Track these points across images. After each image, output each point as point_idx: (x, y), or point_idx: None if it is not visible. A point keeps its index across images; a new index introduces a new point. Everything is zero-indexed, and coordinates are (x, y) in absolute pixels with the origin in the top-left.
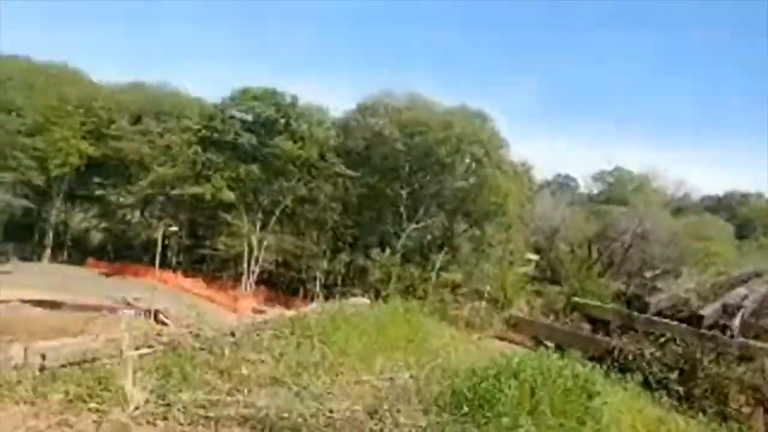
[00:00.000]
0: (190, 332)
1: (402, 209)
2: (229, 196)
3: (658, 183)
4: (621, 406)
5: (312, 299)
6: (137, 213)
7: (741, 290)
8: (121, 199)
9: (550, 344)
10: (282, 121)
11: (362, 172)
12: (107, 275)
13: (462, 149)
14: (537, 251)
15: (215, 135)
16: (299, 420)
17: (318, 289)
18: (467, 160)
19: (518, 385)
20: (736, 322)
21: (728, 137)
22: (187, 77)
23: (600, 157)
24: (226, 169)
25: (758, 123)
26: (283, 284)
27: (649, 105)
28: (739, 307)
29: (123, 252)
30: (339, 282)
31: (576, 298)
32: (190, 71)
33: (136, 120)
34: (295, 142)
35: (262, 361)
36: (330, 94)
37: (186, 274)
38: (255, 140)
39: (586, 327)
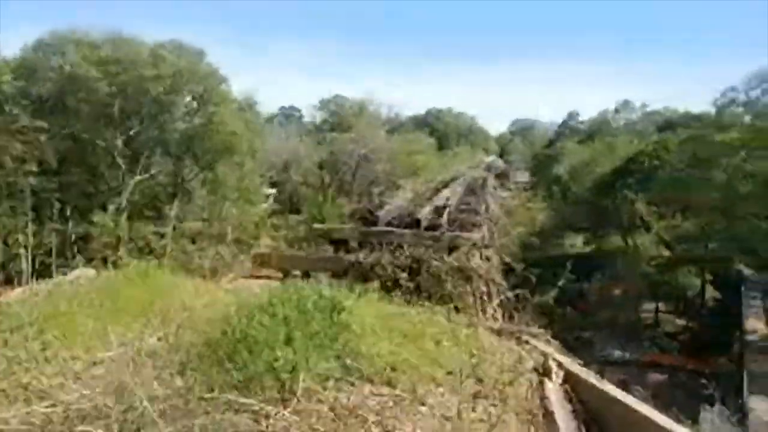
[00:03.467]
0: None
1: (120, 160)
2: None
3: (373, 107)
4: (365, 312)
5: (21, 283)
6: None
7: (445, 192)
8: None
9: (297, 272)
10: None
11: (59, 122)
12: None
13: (180, 87)
14: (273, 185)
15: None
16: (28, 429)
17: (28, 270)
18: (188, 99)
19: (270, 318)
20: (444, 219)
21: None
22: None
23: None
24: None
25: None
26: None
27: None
28: (445, 207)
29: None
30: (54, 257)
31: (316, 224)
32: None
33: None
34: None
35: None
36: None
37: None
38: None
39: (330, 249)
